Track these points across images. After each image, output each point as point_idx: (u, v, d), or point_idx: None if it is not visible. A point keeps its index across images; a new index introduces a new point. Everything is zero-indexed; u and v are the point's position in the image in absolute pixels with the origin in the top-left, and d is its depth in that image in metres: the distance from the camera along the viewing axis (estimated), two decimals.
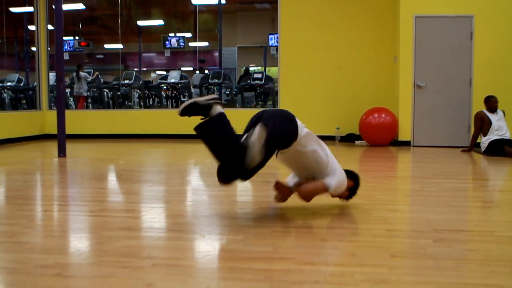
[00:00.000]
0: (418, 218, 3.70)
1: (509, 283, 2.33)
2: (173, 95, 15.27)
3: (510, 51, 9.55)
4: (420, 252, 2.83)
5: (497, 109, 8.46)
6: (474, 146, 8.67)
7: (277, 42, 11.67)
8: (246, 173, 3.42)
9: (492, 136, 8.22)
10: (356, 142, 10.22)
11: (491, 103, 8.43)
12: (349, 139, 10.53)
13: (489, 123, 8.31)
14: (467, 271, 2.52)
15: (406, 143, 9.79)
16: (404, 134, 9.82)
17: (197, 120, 3.52)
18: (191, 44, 17.23)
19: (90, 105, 15.44)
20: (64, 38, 9.53)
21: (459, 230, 3.33)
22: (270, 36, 14.52)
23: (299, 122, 3.58)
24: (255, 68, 19.51)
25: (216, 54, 17.23)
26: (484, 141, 8.31)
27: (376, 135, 9.62)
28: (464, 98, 9.63)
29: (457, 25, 9.62)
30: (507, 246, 2.95)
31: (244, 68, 18.07)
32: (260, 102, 14.44)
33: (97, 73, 15.41)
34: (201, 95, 13.92)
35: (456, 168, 6.72)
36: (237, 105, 14.54)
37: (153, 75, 22.88)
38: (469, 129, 9.47)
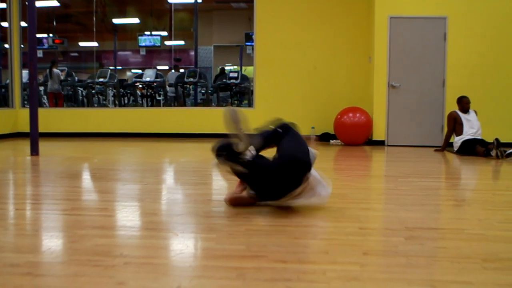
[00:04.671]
0: (391, 216, 3.73)
1: (478, 279, 2.36)
2: (148, 93, 15.19)
3: (482, 52, 9.68)
4: (392, 250, 2.85)
5: (469, 110, 8.57)
6: (447, 145, 8.78)
7: (251, 41, 11.67)
8: None
9: (464, 136, 8.33)
10: (331, 141, 10.27)
11: (464, 104, 8.54)
12: (324, 138, 10.58)
13: (462, 123, 8.41)
14: (437, 268, 2.54)
15: (380, 143, 9.87)
16: (379, 133, 9.90)
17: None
18: (167, 42, 17.17)
19: (64, 103, 15.29)
20: (38, 35, 9.40)
21: (430, 228, 3.37)
22: (246, 35, 14.55)
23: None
24: (231, 67, 19.50)
25: (192, 53, 17.20)
26: (457, 140, 8.42)
27: (351, 135, 9.69)
28: (438, 98, 9.75)
29: (431, 26, 9.72)
30: (477, 243, 2.99)
31: (219, 67, 18.06)
32: (235, 101, 14.45)
33: (64, 71, 15.22)
34: (176, 94, 13.86)
35: (429, 167, 6.79)
36: (213, 104, 14.52)
37: (128, 73, 22.73)
38: (442, 129, 9.59)
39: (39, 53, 14.26)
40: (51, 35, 16.30)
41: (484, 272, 2.48)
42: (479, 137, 8.31)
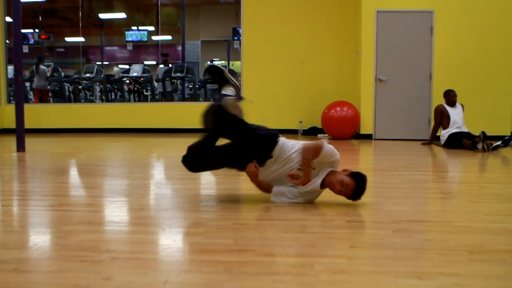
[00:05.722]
0: (378, 209, 3.74)
1: (464, 271, 2.38)
2: (135, 89, 15.12)
3: (469, 46, 9.73)
4: (379, 242, 2.86)
5: (456, 103, 8.60)
6: (434, 139, 8.82)
7: (238, 36, 11.64)
8: None
9: (451, 129, 8.37)
10: (319, 135, 10.28)
11: (450, 97, 8.57)
12: (311, 132, 10.59)
13: (449, 116, 8.45)
14: (424, 260, 2.56)
15: (368, 136, 9.90)
16: (366, 127, 9.93)
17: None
18: (154, 37, 17.08)
19: (51, 99, 15.18)
20: (24, 30, 9.33)
21: (417, 220, 3.39)
22: (234, 30, 14.52)
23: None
24: (219, 62, 19.46)
25: (179, 48, 17.12)
26: (444, 134, 8.46)
27: (338, 129, 9.70)
28: (424, 92, 9.79)
29: (417, 20, 9.75)
30: (463, 235, 3.01)
31: (208, 62, 18.01)
32: None
33: (50, 67, 15.09)
34: (163, 89, 13.82)
35: (416, 161, 6.83)
36: (200, 98, 14.48)
37: (115, 69, 22.60)
38: (429, 122, 9.63)
39: (25, 49, 14.15)
40: (36, 30, 16.16)
41: (471, 263, 2.49)
42: (465, 130, 8.35)
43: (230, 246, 2.77)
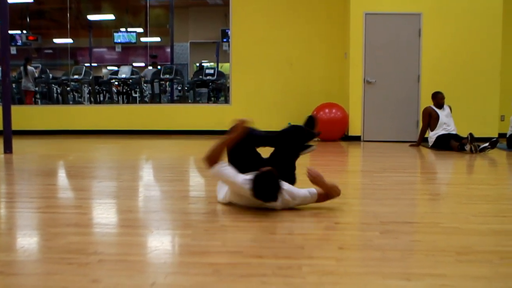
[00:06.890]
0: (366, 211, 3.75)
1: (452, 272, 2.38)
2: (124, 90, 15.06)
3: (456, 48, 9.78)
4: (367, 244, 2.87)
5: (444, 105, 8.64)
6: (422, 140, 8.86)
7: (227, 37, 11.62)
8: None
9: (439, 131, 8.41)
10: None
11: (438, 99, 8.61)
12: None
13: (437, 118, 8.48)
14: (412, 261, 2.56)
15: (356, 138, 9.92)
16: (354, 129, 9.95)
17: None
18: (142, 39, 17.02)
19: (39, 100, 15.06)
20: (11, 32, 9.26)
21: (405, 222, 3.40)
22: (223, 32, 14.51)
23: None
24: (208, 64, 19.44)
25: (168, 49, 17.09)
26: (432, 135, 8.49)
27: (327, 130, 9.69)
28: (412, 94, 9.82)
29: (406, 23, 9.79)
30: (451, 236, 3.01)
31: (197, 64, 17.99)
32: (212, 98, 14.39)
33: (38, 68, 14.98)
34: (152, 90, 13.78)
35: (404, 162, 6.85)
36: (189, 100, 14.46)
37: (104, 70, 22.50)
38: (417, 124, 9.66)
39: (13, 50, 14.08)
40: (24, 31, 16.07)
41: (458, 264, 2.50)
42: (453, 132, 8.39)
43: (218, 248, 2.76)
